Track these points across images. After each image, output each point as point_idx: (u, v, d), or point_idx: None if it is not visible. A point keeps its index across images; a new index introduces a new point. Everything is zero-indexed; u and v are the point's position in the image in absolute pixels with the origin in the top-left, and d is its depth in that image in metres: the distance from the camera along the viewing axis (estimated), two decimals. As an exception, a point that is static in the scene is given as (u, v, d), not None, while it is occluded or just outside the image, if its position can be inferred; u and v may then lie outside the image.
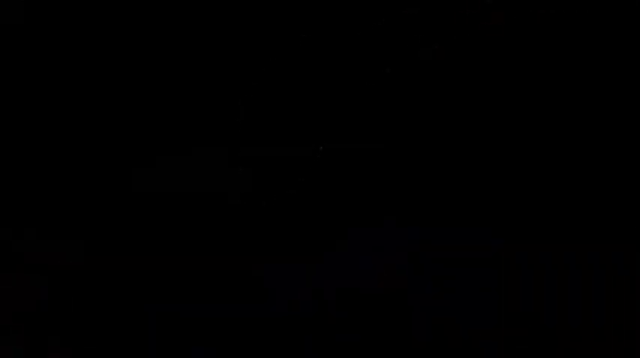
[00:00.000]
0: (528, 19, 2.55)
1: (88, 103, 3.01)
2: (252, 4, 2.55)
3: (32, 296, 3.02)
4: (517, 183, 3.04)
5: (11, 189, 3.15)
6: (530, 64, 2.79)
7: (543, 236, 2.97)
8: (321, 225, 3.15)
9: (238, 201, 3.15)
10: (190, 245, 3.11)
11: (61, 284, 3.00)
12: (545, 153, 3.04)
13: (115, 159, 3.15)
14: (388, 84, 2.86)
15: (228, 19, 2.60)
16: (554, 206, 3.01)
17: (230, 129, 3.06)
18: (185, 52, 2.79)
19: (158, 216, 3.15)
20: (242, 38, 2.66)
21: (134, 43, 2.69)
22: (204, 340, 2.92)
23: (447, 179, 3.09)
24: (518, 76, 2.84)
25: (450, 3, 2.48)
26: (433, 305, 2.93)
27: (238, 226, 3.13)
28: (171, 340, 2.87)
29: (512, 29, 2.58)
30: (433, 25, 2.56)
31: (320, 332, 2.91)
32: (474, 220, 3.05)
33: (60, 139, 3.14)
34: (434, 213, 3.09)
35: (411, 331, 2.88)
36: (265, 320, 2.92)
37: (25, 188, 3.16)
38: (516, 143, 3.05)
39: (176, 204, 3.16)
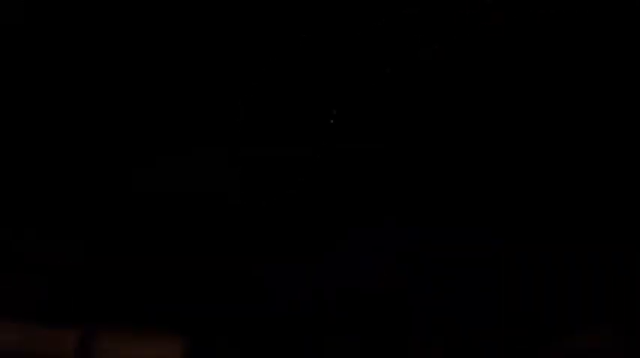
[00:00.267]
0: (528, 19, 2.55)
1: (88, 103, 3.01)
2: (252, 4, 2.55)
3: (32, 296, 3.02)
4: (517, 183, 3.04)
5: (11, 189, 3.15)
6: (530, 64, 2.79)
7: (543, 236, 2.97)
8: (321, 225, 3.15)
9: (238, 201, 3.15)
10: (190, 245, 3.11)
11: (61, 284, 3.00)
12: (545, 153, 3.04)
13: (115, 159, 3.15)
14: (388, 84, 2.86)
15: (228, 19, 2.60)
16: (554, 206, 3.01)
17: (230, 129, 3.06)
18: (185, 52, 2.79)
19: (158, 216, 3.15)
20: (242, 38, 2.66)
21: (134, 43, 2.69)
22: (204, 340, 2.91)
23: (447, 179, 3.09)
24: (518, 76, 2.84)
25: (450, 3, 2.48)
26: (433, 305, 2.93)
27: (238, 226, 3.13)
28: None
29: (512, 29, 2.58)
30: (433, 25, 2.56)
31: (320, 332, 2.90)
32: (474, 220, 3.05)
33: (60, 139, 3.14)
34: (434, 213, 3.09)
35: (411, 331, 2.87)
36: (265, 321, 2.92)
37: (25, 188, 3.16)
38: (516, 143, 3.05)
39: (176, 204, 3.16)
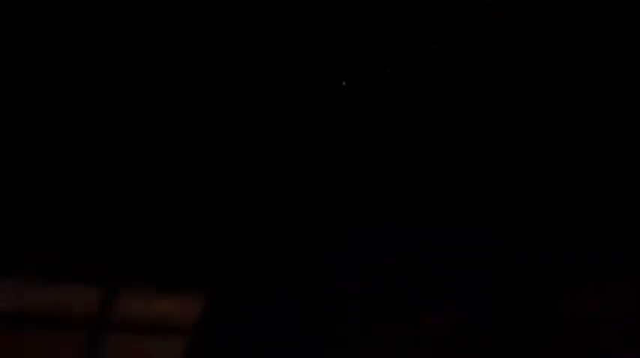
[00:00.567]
0: (528, 19, 2.55)
1: (88, 103, 3.01)
2: (251, 4, 2.55)
3: (55, 258, 3.08)
4: (517, 183, 3.04)
5: (11, 189, 3.15)
6: (530, 64, 2.79)
7: (543, 236, 2.97)
8: (321, 225, 3.15)
9: (238, 201, 3.15)
10: (190, 245, 3.11)
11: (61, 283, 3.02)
12: (545, 153, 3.04)
13: (115, 159, 3.15)
14: (388, 84, 2.87)
15: (228, 19, 2.60)
16: (554, 206, 3.01)
17: (230, 129, 3.07)
18: (185, 52, 2.79)
19: (158, 216, 3.15)
20: (242, 38, 2.66)
21: (134, 43, 2.70)
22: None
23: (446, 179, 3.09)
24: (518, 76, 2.84)
25: (450, 3, 2.48)
26: (434, 304, 2.93)
27: (238, 226, 3.13)
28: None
29: (512, 29, 2.58)
30: (433, 25, 2.56)
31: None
32: (474, 220, 3.05)
33: (60, 139, 3.14)
34: (434, 213, 3.09)
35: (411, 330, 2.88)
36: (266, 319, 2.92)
37: (24, 188, 3.16)
38: (516, 143, 3.05)
39: (176, 204, 3.16)
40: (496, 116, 3.00)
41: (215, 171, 3.13)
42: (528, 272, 2.90)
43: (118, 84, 2.90)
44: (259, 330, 2.73)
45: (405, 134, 3.04)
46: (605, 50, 2.71)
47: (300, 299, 2.87)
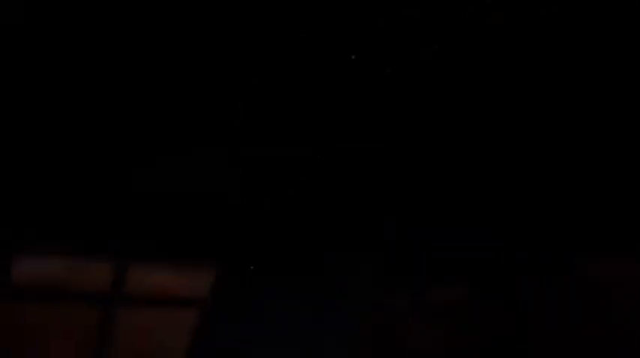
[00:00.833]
0: (528, 19, 2.55)
1: (88, 103, 3.01)
2: (252, 4, 2.55)
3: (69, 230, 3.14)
4: (517, 183, 3.04)
5: (11, 189, 3.15)
6: (530, 64, 2.79)
7: (543, 236, 2.97)
8: (321, 225, 3.15)
9: (238, 201, 3.15)
10: (190, 244, 3.11)
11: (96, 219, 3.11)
12: (545, 153, 3.04)
13: (115, 159, 3.15)
14: (388, 84, 2.87)
15: (228, 19, 2.60)
16: (554, 206, 3.02)
17: (230, 129, 3.07)
18: (185, 52, 2.79)
19: (158, 216, 3.15)
20: (242, 38, 2.66)
21: (134, 43, 2.70)
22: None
23: (447, 179, 3.09)
24: (518, 76, 2.84)
25: (450, 3, 2.48)
26: (445, 283, 2.94)
27: (238, 226, 3.13)
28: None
29: (512, 29, 2.58)
30: (433, 25, 2.56)
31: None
32: (474, 220, 3.05)
33: (60, 139, 3.14)
34: (434, 213, 3.09)
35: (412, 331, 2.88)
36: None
37: (24, 188, 3.16)
38: (516, 143, 3.05)
39: (176, 204, 3.16)
40: (496, 116, 3.00)
41: (215, 171, 3.13)
42: (528, 272, 2.90)
43: (118, 84, 2.90)
44: (263, 304, 2.76)
45: (405, 134, 3.04)
46: (605, 50, 2.71)
47: (306, 275, 2.88)
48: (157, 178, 3.15)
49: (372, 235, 3.08)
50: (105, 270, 2.98)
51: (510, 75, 2.83)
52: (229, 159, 3.13)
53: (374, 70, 2.79)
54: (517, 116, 2.99)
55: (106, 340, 2.83)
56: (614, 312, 2.55)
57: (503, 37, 2.61)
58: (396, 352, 2.66)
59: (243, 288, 2.83)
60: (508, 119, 3.00)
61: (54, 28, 2.55)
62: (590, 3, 2.51)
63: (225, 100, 2.96)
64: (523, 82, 2.86)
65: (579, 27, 2.60)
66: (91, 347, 2.85)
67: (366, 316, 2.68)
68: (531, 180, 3.04)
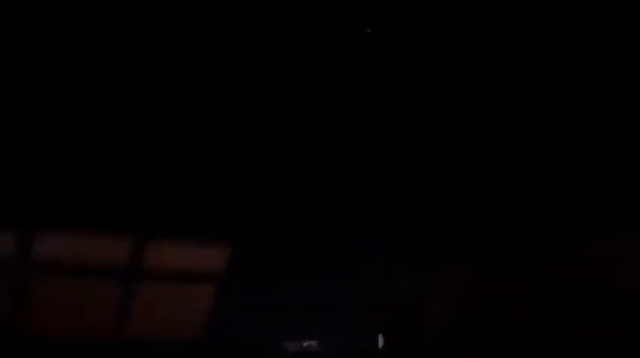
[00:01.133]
0: (528, 19, 2.55)
1: (88, 103, 3.01)
2: (252, 5, 2.55)
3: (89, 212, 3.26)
4: (517, 183, 3.04)
5: (11, 188, 3.15)
6: (530, 64, 2.79)
7: (543, 236, 2.97)
8: (321, 225, 3.14)
9: (238, 201, 3.15)
10: (190, 244, 3.11)
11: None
12: (545, 152, 3.03)
13: (115, 159, 3.14)
14: (388, 84, 2.86)
15: (228, 20, 2.60)
16: (554, 206, 3.01)
17: (230, 129, 3.06)
18: (185, 53, 2.78)
19: (158, 216, 3.15)
20: (242, 38, 2.66)
21: (134, 44, 2.69)
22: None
23: (446, 179, 3.09)
24: (518, 75, 2.84)
25: (450, 3, 2.48)
26: (436, 304, 2.94)
27: (238, 226, 3.13)
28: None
29: (512, 29, 2.58)
30: (433, 25, 2.56)
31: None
32: (474, 220, 3.05)
33: (60, 139, 3.14)
34: (434, 213, 3.09)
35: (413, 331, 2.88)
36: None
37: (25, 188, 3.16)
38: (516, 143, 3.05)
39: (176, 204, 3.16)
40: (496, 116, 2.99)
41: (215, 171, 3.13)
42: (528, 272, 2.90)
43: (118, 84, 2.90)
44: (274, 279, 2.85)
45: (405, 134, 3.04)
46: (604, 50, 2.71)
47: (316, 253, 2.90)
48: (157, 178, 3.15)
49: (373, 233, 3.08)
50: (124, 248, 3.07)
51: (510, 75, 2.83)
52: (229, 159, 3.13)
53: (374, 70, 2.79)
54: (517, 116, 2.99)
55: (125, 314, 2.94)
56: (614, 309, 2.55)
57: (503, 37, 2.61)
58: (408, 328, 2.69)
59: (256, 264, 2.91)
60: (508, 119, 3.00)
61: (54, 28, 2.55)
62: (590, 3, 2.50)
63: (225, 100, 2.96)
64: (523, 82, 2.86)
65: (579, 27, 2.60)
66: (111, 320, 2.96)
67: (377, 294, 2.71)
68: (531, 180, 3.04)
